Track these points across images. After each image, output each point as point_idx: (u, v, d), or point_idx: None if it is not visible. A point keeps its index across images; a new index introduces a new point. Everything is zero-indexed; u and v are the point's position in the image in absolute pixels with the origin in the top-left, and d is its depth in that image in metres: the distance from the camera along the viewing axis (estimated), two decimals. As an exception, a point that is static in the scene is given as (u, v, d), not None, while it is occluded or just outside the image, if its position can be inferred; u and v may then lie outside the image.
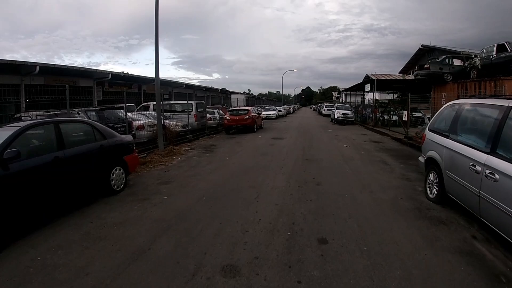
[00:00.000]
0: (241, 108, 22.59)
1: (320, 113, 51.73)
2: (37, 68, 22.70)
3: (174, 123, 17.49)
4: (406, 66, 42.53)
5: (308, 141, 15.45)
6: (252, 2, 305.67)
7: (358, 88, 35.74)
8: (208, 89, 51.13)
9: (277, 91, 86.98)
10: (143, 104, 22.16)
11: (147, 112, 19.14)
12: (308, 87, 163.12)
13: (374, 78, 30.00)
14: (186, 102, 19.29)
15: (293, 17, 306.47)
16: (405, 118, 16.86)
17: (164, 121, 16.87)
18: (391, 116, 20.95)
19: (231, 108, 24.08)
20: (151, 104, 21.97)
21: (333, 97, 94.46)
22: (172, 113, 19.83)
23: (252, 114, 20.78)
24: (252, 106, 31.35)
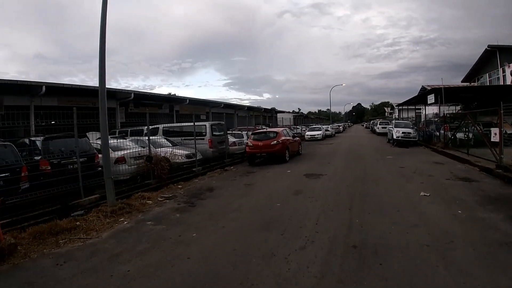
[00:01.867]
0: (267, 130, 17.01)
1: (373, 131, 44.14)
2: (43, 88, 19.67)
3: (175, 151, 12.98)
4: (471, 73, 35.36)
5: (360, 181, 9.35)
6: (298, 22, 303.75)
7: (417, 101, 29.35)
8: (251, 109, 46.94)
9: (327, 109, 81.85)
10: (153, 126, 18.07)
11: (153, 138, 14.87)
12: (359, 104, 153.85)
13: (440, 87, 23.34)
14: (193, 123, 14.36)
15: (340, 34, 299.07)
16: (495, 138, 10.64)
17: (155, 149, 12.47)
18: (467, 134, 14.62)
19: (255, 131, 18.33)
20: (160, 126, 17.86)
21: (386, 113, 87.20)
22: (183, 138, 15.47)
23: (283, 138, 15.25)
24: (285, 127, 25.09)
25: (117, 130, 20.58)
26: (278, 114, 55.43)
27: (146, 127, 16.06)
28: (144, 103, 29.63)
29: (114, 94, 25.99)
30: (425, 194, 7.46)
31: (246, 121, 44.66)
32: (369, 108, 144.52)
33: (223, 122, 17.43)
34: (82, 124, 8.84)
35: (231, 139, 18.15)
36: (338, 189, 8.52)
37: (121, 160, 10.81)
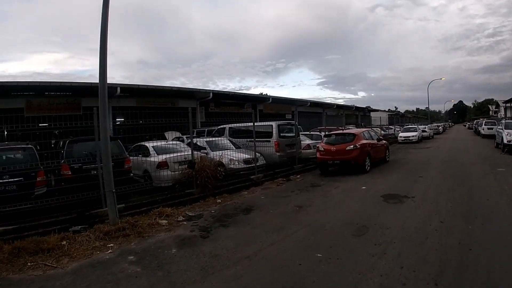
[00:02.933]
0: (344, 132, 13.58)
1: (477, 132, 35.43)
2: (118, 89, 19.58)
3: (232, 155, 11.27)
4: None
5: (462, 216, 5.82)
6: (392, 15, 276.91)
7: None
8: (341, 107, 43.30)
9: (426, 107, 71.48)
10: (218, 127, 16.62)
11: (217, 139, 13.38)
12: (461, 102, 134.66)
13: None
14: (254, 123, 11.95)
15: (437, 25, 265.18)
16: None
17: (203, 152, 10.96)
18: None
19: (327, 133, 15.07)
20: (227, 127, 16.25)
21: (490, 112, 73.33)
22: (248, 140, 13.70)
23: (363, 141, 11.94)
24: (368, 128, 20.12)
25: (195, 130, 19.57)
26: (371, 113, 50.35)
27: (228, 126, 14.97)
28: (225, 102, 28.92)
29: (193, 94, 25.59)
30: None
31: (336, 120, 41.53)
32: (472, 106, 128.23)
33: (295, 122, 14.81)
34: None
35: (306, 141, 15.58)
36: (424, 231, 5.21)
37: (163, 164, 9.44)
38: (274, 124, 13.43)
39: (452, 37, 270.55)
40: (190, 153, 9.21)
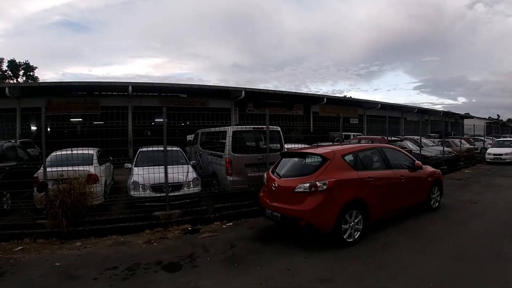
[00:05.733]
0: (303, 151, 5.99)
1: None
2: (130, 88, 17.53)
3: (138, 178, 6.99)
4: None
5: None
6: (492, 12, 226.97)
7: None
8: (425, 112, 34.25)
9: None
10: (196, 133, 11.82)
11: (146, 149, 8.59)
12: None
13: None
14: (162, 126, 6.95)
15: None
16: None
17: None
18: None
19: (290, 149, 7.44)
20: (199, 132, 11.10)
21: None
22: (210, 153, 8.64)
23: (342, 175, 5.18)
24: (384, 141, 11.15)
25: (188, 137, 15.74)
26: (465, 120, 39.07)
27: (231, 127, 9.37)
28: (270, 103, 24.04)
29: (228, 93, 21.45)
30: None
31: (417, 127, 32.83)
32: None
33: (278, 129, 8.68)
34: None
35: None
36: None
37: (35, 181, 6.39)
38: (229, 129, 7.98)
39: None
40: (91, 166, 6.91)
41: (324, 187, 4.85)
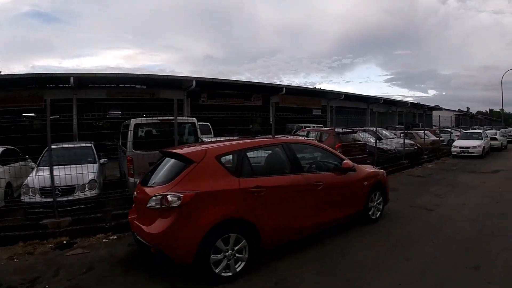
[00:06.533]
0: (170, 151, 4.10)
1: None
2: (71, 80, 15.34)
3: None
4: None
5: None
6: (465, 7, 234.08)
7: None
8: (393, 103, 33.17)
9: (500, 109, 54.45)
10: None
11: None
12: None
13: None
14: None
15: None
16: None
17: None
18: None
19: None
20: (131, 122, 9.19)
21: None
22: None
23: (206, 184, 3.41)
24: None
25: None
26: (433, 112, 38.20)
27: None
28: (225, 93, 22.06)
29: (180, 83, 19.47)
30: None
31: (384, 119, 31.64)
32: None
33: (194, 120, 7.44)
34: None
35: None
36: None
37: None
38: (131, 122, 6.64)
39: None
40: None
41: (178, 202, 3.21)
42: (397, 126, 23.48)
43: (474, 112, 68.71)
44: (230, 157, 3.86)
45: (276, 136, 7.01)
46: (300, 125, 16.36)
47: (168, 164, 3.89)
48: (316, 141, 6.62)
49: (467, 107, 78.15)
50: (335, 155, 4.90)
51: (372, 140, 11.03)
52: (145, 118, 7.25)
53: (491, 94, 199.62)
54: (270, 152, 4.40)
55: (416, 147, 13.30)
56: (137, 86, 19.72)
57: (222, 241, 3.32)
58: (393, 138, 13.74)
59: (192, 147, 4.11)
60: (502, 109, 49.37)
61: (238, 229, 3.42)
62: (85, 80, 17.09)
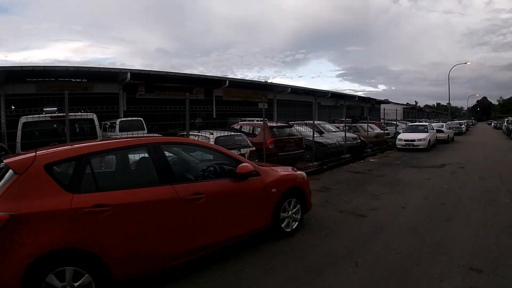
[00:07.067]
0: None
1: (509, 133, 24.07)
2: None
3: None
4: None
5: None
6: (416, 7, 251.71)
7: None
8: (341, 97, 33.26)
9: (447, 103, 59.11)
10: None
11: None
12: (485, 98, 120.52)
13: None
14: None
15: (462, 19, 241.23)
16: None
17: None
18: None
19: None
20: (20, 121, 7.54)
21: None
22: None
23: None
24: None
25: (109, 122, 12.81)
26: (382, 105, 38.93)
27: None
28: (164, 86, 20.48)
29: (115, 76, 17.66)
30: None
31: (333, 112, 31.60)
32: (497, 103, 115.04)
33: (92, 116, 6.72)
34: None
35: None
36: None
37: None
38: (20, 120, 6.47)
39: (477, 32, 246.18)
40: None
41: None
42: (342, 119, 23.22)
43: (422, 106, 72.02)
44: (64, 166, 2.81)
45: (154, 135, 5.81)
46: (252, 119, 15.13)
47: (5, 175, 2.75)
48: (204, 141, 5.44)
49: (415, 101, 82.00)
50: (231, 157, 3.76)
51: (311, 133, 10.19)
52: (37, 115, 6.54)
53: (439, 89, 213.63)
54: (129, 157, 3.18)
55: (359, 141, 12.72)
56: (72, 80, 17.63)
57: (56, 275, 2.47)
58: (335, 131, 13.01)
59: (25, 154, 2.97)
60: (449, 103, 52.45)
61: (75, 262, 2.54)
62: (12, 74, 14.95)
